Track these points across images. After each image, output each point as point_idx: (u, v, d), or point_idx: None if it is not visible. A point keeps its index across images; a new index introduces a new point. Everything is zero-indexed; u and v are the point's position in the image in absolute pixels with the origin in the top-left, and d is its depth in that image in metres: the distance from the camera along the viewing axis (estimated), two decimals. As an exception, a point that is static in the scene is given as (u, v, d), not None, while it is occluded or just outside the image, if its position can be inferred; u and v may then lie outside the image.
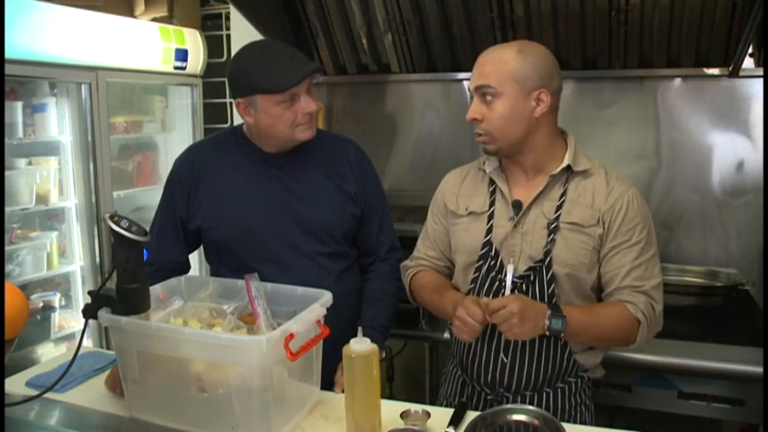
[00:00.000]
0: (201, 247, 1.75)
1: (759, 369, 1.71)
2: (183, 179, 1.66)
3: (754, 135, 2.48)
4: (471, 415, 1.33)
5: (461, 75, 2.79)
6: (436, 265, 1.67)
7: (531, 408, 1.33)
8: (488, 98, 1.41)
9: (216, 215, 1.63)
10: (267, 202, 1.62)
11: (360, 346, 1.25)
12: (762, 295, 2.23)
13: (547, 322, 1.35)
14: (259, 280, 1.42)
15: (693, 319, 2.10)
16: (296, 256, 1.62)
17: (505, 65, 1.40)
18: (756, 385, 1.74)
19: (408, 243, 1.79)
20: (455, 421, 1.32)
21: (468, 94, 1.45)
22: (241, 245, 1.62)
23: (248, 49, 1.58)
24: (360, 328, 1.28)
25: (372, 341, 1.27)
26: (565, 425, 1.26)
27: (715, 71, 2.45)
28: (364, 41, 2.76)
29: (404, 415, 1.33)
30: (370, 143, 2.97)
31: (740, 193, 2.52)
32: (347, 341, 1.27)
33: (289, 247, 1.61)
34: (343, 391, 1.32)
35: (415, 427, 1.29)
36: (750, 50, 2.31)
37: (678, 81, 2.54)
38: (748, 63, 2.37)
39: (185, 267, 1.72)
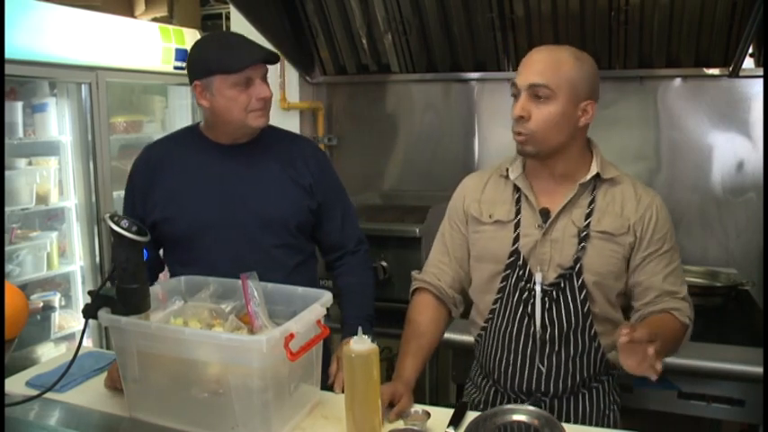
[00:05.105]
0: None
1: (759, 369, 1.70)
2: (140, 177, 1.69)
3: (754, 135, 2.48)
4: (471, 415, 1.33)
5: (461, 75, 2.79)
6: (444, 272, 1.58)
7: (531, 408, 1.32)
8: (541, 98, 1.38)
9: (170, 208, 1.64)
10: (221, 193, 1.63)
11: (360, 346, 1.25)
12: (762, 295, 2.23)
13: None
14: (257, 279, 1.42)
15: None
16: (249, 248, 1.62)
17: (563, 68, 1.38)
18: (756, 385, 1.74)
19: (408, 243, 1.79)
20: (455, 421, 1.32)
21: (511, 91, 1.43)
22: (194, 237, 1.63)
23: (207, 35, 1.68)
24: (359, 327, 1.28)
25: (363, 332, 1.27)
26: (566, 425, 1.26)
27: (715, 71, 2.45)
28: (364, 41, 2.76)
29: (404, 415, 1.34)
30: (369, 143, 2.98)
31: (740, 193, 2.51)
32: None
33: (242, 239, 1.62)
34: (342, 391, 1.32)
35: (415, 427, 1.29)
36: (750, 50, 2.31)
37: (678, 81, 2.54)
38: (748, 63, 2.37)
39: (158, 264, 1.75)
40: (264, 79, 1.59)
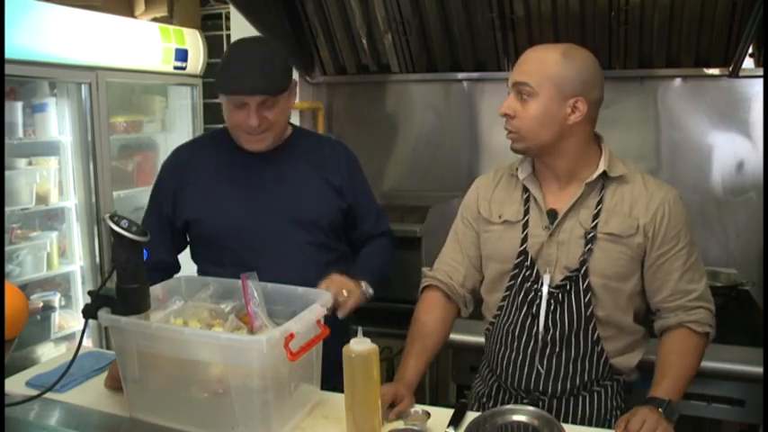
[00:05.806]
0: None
1: (759, 369, 1.70)
2: (169, 180, 1.70)
3: (754, 135, 2.48)
4: (471, 415, 1.33)
5: (461, 75, 2.79)
6: (456, 270, 1.58)
7: (531, 408, 1.33)
8: (524, 96, 1.39)
9: (201, 209, 1.65)
10: (251, 193, 1.64)
11: (360, 346, 1.25)
12: (762, 295, 2.23)
13: (664, 417, 1.28)
14: (257, 279, 1.42)
15: (693, 319, 2.09)
16: (280, 246, 1.63)
17: (547, 66, 1.37)
18: (756, 385, 1.74)
19: (408, 243, 1.78)
20: (455, 421, 1.32)
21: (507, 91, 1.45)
22: (224, 237, 1.64)
23: (231, 45, 1.67)
24: (359, 328, 1.28)
25: (367, 280, 1.30)
26: (568, 426, 1.26)
27: (715, 71, 2.45)
28: (364, 41, 2.76)
29: (404, 415, 1.34)
30: (370, 143, 2.98)
31: (740, 193, 2.52)
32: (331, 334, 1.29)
33: (273, 237, 1.63)
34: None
35: (415, 427, 1.29)
36: (750, 50, 2.31)
37: (678, 81, 2.54)
38: (748, 63, 2.37)
39: (175, 268, 1.74)
40: (264, 106, 1.54)
